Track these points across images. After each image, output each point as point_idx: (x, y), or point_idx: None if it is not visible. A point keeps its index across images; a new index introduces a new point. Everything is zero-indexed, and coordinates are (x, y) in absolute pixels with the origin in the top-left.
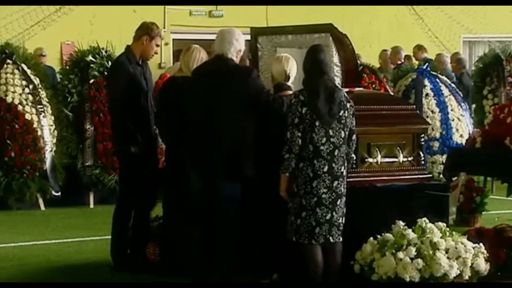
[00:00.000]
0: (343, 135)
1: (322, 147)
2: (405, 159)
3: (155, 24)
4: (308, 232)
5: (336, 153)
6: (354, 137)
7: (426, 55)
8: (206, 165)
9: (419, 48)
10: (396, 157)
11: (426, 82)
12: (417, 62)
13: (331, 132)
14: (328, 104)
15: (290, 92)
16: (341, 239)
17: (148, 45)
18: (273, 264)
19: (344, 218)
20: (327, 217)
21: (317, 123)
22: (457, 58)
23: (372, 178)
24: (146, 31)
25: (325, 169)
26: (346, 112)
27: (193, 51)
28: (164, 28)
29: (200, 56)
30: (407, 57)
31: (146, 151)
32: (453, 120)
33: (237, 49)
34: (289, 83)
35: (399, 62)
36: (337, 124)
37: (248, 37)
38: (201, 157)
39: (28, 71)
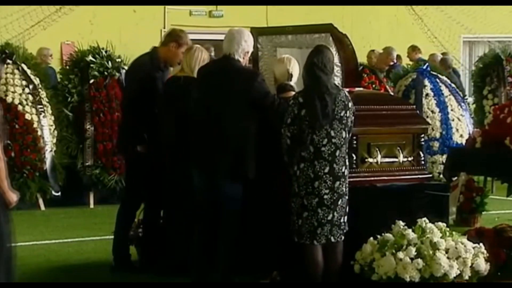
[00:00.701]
0: (344, 135)
1: (323, 148)
2: (405, 159)
3: (184, 32)
4: (310, 233)
5: (337, 154)
6: (349, 135)
7: (420, 56)
8: (209, 164)
9: (413, 48)
10: (396, 157)
11: (426, 82)
12: (405, 62)
13: (332, 133)
14: (324, 107)
15: (293, 92)
16: (342, 238)
17: (175, 52)
18: (273, 264)
19: (346, 217)
20: (329, 218)
21: (317, 125)
22: (441, 59)
23: (372, 178)
24: (175, 38)
25: (326, 170)
26: (348, 112)
27: (195, 51)
28: (164, 28)
29: (202, 56)
30: (398, 56)
31: (151, 151)
32: (453, 120)
33: (245, 51)
34: (292, 83)
35: (391, 63)
36: (338, 125)
37: None
38: (203, 157)
39: (28, 71)
